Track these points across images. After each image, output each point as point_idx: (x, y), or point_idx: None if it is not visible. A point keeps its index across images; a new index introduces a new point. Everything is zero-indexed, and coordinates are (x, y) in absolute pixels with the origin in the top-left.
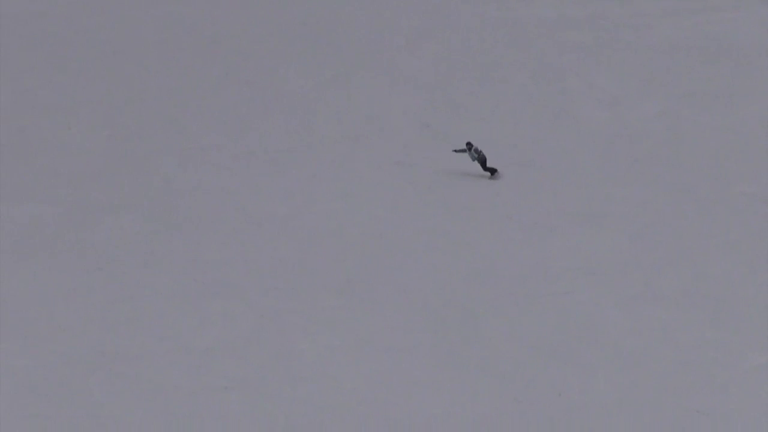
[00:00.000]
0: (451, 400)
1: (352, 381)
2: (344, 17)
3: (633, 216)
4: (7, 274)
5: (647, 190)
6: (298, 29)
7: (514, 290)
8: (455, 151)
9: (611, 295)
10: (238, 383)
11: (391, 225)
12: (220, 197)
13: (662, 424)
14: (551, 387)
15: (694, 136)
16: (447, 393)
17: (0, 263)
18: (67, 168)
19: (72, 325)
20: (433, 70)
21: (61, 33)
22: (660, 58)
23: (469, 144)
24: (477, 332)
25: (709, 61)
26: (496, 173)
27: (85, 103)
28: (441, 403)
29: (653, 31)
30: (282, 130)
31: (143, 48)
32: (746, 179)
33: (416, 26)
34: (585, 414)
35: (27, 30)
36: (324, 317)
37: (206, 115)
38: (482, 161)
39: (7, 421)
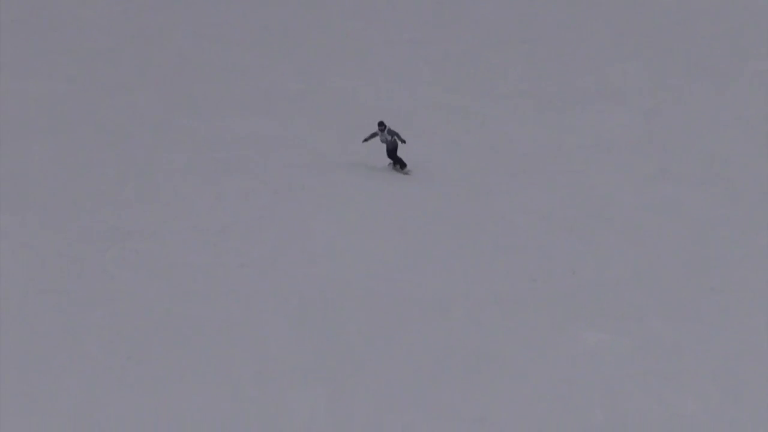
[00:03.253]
0: (466, 277)
1: (367, 258)
2: None
3: (647, 93)
4: (22, 150)
5: (662, 66)
6: None
7: (529, 167)
8: (365, 140)
9: (625, 173)
10: (253, 261)
11: (404, 101)
12: (234, 73)
13: (675, 300)
14: (566, 264)
15: (709, 12)
16: (462, 270)
17: (15, 139)
18: (81, 45)
19: (86, 201)
20: None
21: None
22: None
23: (381, 124)
24: (492, 209)
25: None
26: (404, 168)
27: None
28: (456, 281)
29: None
30: (295, 6)
31: None
32: (761, 56)
33: None
34: (599, 290)
35: None
36: (338, 194)
37: None
38: (392, 148)
39: (23, 296)
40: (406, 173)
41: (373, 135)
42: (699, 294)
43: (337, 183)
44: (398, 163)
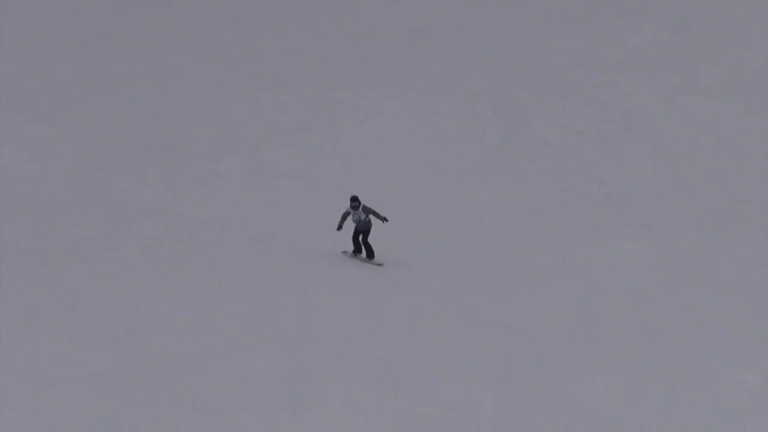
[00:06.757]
0: (497, 188)
1: (399, 169)
2: None
3: (675, 6)
4: (59, 63)
5: None
6: None
7: (558, 80)
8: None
9: (654, 86)
10: (287, 171)
11: (437, 16)
12: None
13: (703, 211)
14: (593, 176)
15: None
16: (492, 181)
17: (52, 52)
18: None
19: (124, 113)
20: None
21: None
22: None
23: (355, 200)
24: (522, 122)
25: None
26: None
27: None
28: (486, 191)
29: None
30: None
31: None
32: None
33: None
34: (625, 201)
35: None
36: (371, 107)
37: None
38: (363, 229)
39: (63, 207)
40: (377, 264)
41: (345, 216)
42: (723, 204)
43: (370, 96)
44: (364, 251)
